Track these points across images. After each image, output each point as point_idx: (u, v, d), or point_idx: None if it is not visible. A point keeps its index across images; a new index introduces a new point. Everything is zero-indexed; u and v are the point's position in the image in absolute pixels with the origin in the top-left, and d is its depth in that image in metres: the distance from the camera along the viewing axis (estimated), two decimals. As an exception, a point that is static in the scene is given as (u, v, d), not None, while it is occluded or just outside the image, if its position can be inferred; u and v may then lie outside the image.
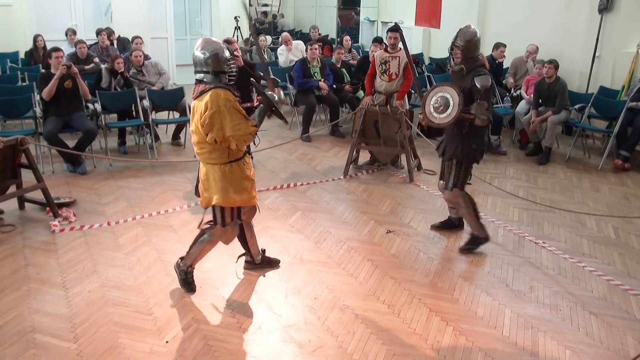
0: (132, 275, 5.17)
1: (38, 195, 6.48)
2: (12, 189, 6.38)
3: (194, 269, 4.97)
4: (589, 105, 9.09)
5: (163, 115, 9.53)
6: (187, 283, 4.95)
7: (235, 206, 4.68)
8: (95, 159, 8.26)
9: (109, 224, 6.28)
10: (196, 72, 4.55)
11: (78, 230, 6.13)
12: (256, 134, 4.54)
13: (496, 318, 4.61)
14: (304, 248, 5.76)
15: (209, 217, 4.82)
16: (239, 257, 5.29)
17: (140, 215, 6.46)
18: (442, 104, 5.46)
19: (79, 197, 6.98)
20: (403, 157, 8.06)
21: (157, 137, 9.05)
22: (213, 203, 4.62)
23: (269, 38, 12.37)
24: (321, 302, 4.80)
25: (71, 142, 8.02)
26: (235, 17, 14.03)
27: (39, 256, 5.54)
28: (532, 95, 8.99)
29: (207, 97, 4.36)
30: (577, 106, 9.33)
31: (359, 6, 17.21)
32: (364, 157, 8.50)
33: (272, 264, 5.38)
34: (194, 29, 16.90)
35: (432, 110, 5.54)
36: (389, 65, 8.00)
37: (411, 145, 7.99)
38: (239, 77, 7.70)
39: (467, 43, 5.49)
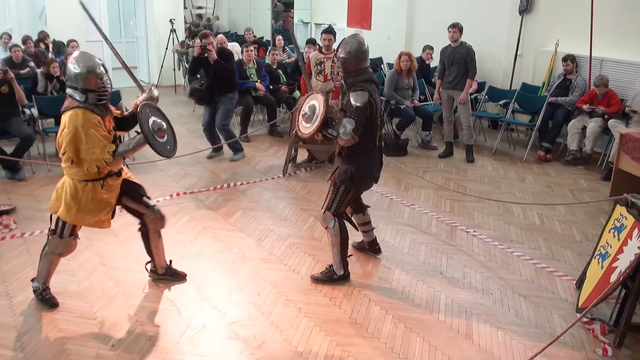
0: (75, 281, 5.05)
1: (-23, 203, 6.28)
2: (-50, 197, 6.17)
3: (48, 286, 4.73)
4: (513, 100, 9.38)
5: (101, 119, 9.33)
6: (45, 300, 4.68)
7: (75, 224, 4.51)
8: (33, 165, 8.02)
9: (49, 229, 6.12)
10: (67, 86, 4.34)
11: (19, 237, 5.95)
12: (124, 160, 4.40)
13: (432, 304, 4.71)
14: (246, 246, 5.74)
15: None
16: (146, 264, 5.05)
17: (82, 220, 6.29)
18: (309, 113, 4.84)
19: (19, 204, 6.78)
20: (339, 154, 8.08)
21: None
22: (57, 213, 4.49)
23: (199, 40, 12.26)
24: (265, 298, 4.80)
25: (9, 149, 7.77)
26: (171, 20, 13.84)
27: (-20, 266, 5.37)
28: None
29: (67, 115, 4.20)
30: (501, 102, 9.62)
31: (293, 8, 17.24)
32: (302, 155, 8.53)
33: (178, 277, 5.09)
34: (129, 31, 16.58)
35: (301, 119, 4.93)
36: (324, 65, 8.02)
37: (347, 143, 8.03)
38: (216, 70, 7.93)
39: (347, 55, 4.70)
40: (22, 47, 11.10)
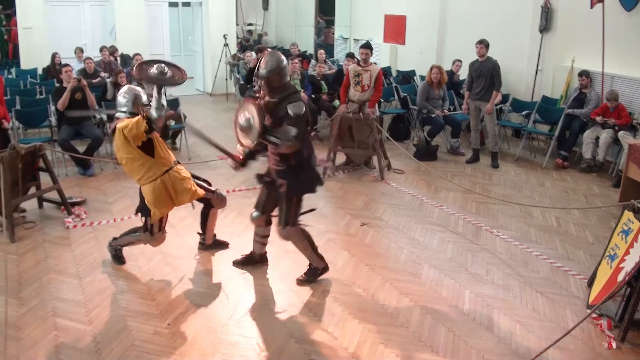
0: (137, 266, 5.16)
1: (54, 195, 6.42)
2: (33, 190, 6.33)
3: (122, 250, 5.20)
4: (534, 111, 9.20)
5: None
6: (117, 257, 5.18)
7: (166, 213, 4.88)
8: (102, 163, 8.17)
9: (115, 220, 6.23)
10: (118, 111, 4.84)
11: (88, 226, 6.09)
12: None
13: (457, 298, 4.66)
14: (288, 240, 5.76)
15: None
16: (199, 234, 5.50)
17: (143, 212, 6.40)
18: (245, 125, 4.41)
19: (89, 196, 6.91)
20: (375, 158, 8.05)
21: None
22: (157, 216, 4.81)
23: (253, 54, 12.29)
24: (304, 287, 4.81)
25: (81, 148, 7.94)
26: (224, 35, 13.95)
27: (56, 249, 5.51)
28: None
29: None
30: (524, 112, 9.45)
31: (334, 25, 17.22)
32: (340, 158, 8.47)
33: (222, 245, 5.53)
34: (187, 46, 16.76)
35: (239, 132, 4.49)
36: (362, 77, 7.99)
37: (382, 148, 7.98)
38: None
39: (269, 72, 4.40)
40: (99, 54, 11.36)
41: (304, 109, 4.44)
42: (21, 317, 4.32)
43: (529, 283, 4.94)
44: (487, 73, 8.27)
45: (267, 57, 4.52)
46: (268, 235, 5.10)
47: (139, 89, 4.91)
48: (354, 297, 4.65)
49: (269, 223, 5.02)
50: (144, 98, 4.81)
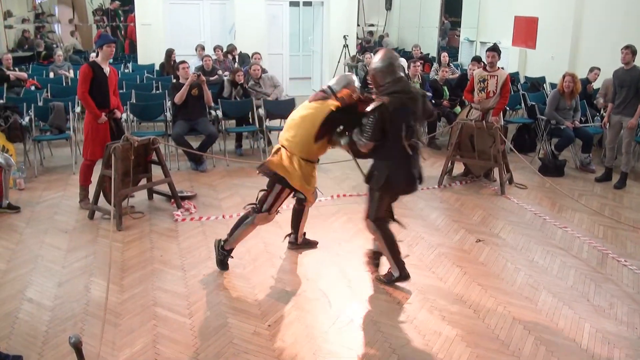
0: (241, 264, 5.29)
1: (165, 188, 6.77)
2: (144, 181, 6.71)
3: (229, 256, 5.19)
4: (674, 126, 8.48)
5: (276, 122, 9.64)
6: (222, 263, 5.18)
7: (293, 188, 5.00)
8: (214, 160, 8.50)
9: (223, 217, 6.45)
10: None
11: (197, 220, 6.33)
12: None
13: (576, 331, 4.36)
14: (397, 250, 5.68)
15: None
16: (286, 236, 5.65)
17: (252, 211, 6.56)
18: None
19: (199, 191, 7.21)
20: (496, 171, 7.79)
21: (269, 142, 9.19)
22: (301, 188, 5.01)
23: (372, 55, 12.38)
24: (410, 301, 4.72)
25: (195, 144, 8.29)
26: (344, 36, 14.09)
27: (162, 241, 5.78)
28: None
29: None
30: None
31: (460, 27, 16.90)
32: (459, 168, 8.29)
33: (311, 244, 5.67)
34: (307, 46, 17.08)
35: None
36: (487, 83, 7.80)
37: (504, 160, 7.69)
38: None
39: (372, 71, 4.77)
40: (214, 53, 11.85)
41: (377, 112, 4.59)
42: (121, 304, 4.57)
43: (657, 323, 4.55)
44: (631, 83, 7.68)
45: (374, 55, 4.91)
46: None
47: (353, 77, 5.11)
48: (464, 317, 4.50)
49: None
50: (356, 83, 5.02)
